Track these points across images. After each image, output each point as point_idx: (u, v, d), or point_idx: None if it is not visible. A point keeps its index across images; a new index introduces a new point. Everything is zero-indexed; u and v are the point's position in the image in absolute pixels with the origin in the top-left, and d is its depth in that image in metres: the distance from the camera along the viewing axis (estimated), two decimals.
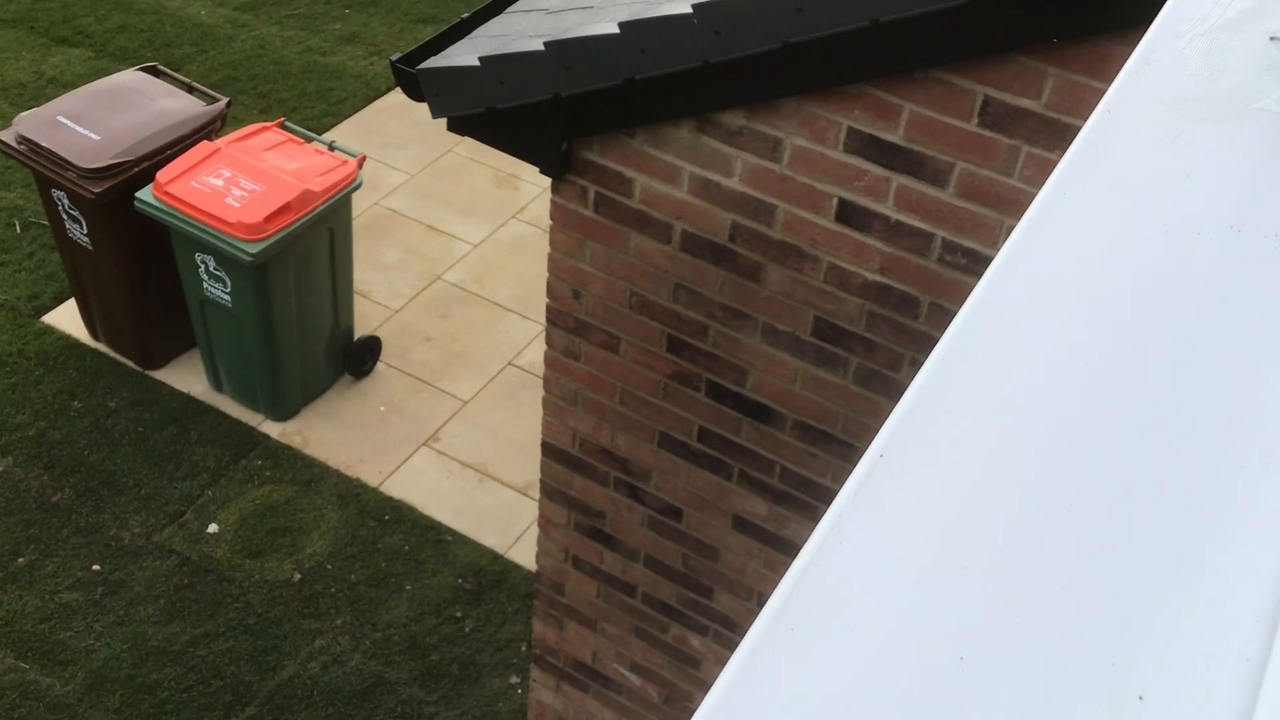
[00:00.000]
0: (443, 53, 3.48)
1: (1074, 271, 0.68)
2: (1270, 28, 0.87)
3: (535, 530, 4.48)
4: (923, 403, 0.61)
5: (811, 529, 3.32)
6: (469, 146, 8.12)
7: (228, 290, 6.33)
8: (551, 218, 3.68)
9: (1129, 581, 0.55)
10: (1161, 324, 0.64)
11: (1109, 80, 2.71)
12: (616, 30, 3.10)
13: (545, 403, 4.10)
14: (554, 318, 3.89)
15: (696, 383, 3.70)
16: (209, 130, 6.73)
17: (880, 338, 3.31)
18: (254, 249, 6.00)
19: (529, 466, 6.28)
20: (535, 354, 7.03)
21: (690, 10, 3.00)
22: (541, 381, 4.07)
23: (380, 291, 7.59)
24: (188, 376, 7.03)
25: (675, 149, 3.32)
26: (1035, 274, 0.67)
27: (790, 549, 3.80)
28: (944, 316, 3.17)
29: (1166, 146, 0.76)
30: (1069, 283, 0.66)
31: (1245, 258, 0.69)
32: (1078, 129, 2.71)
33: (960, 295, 3.12)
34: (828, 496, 3.61)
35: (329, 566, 6.16)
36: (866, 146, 3.05)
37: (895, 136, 3.00)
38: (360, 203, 7.82)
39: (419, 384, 7.04)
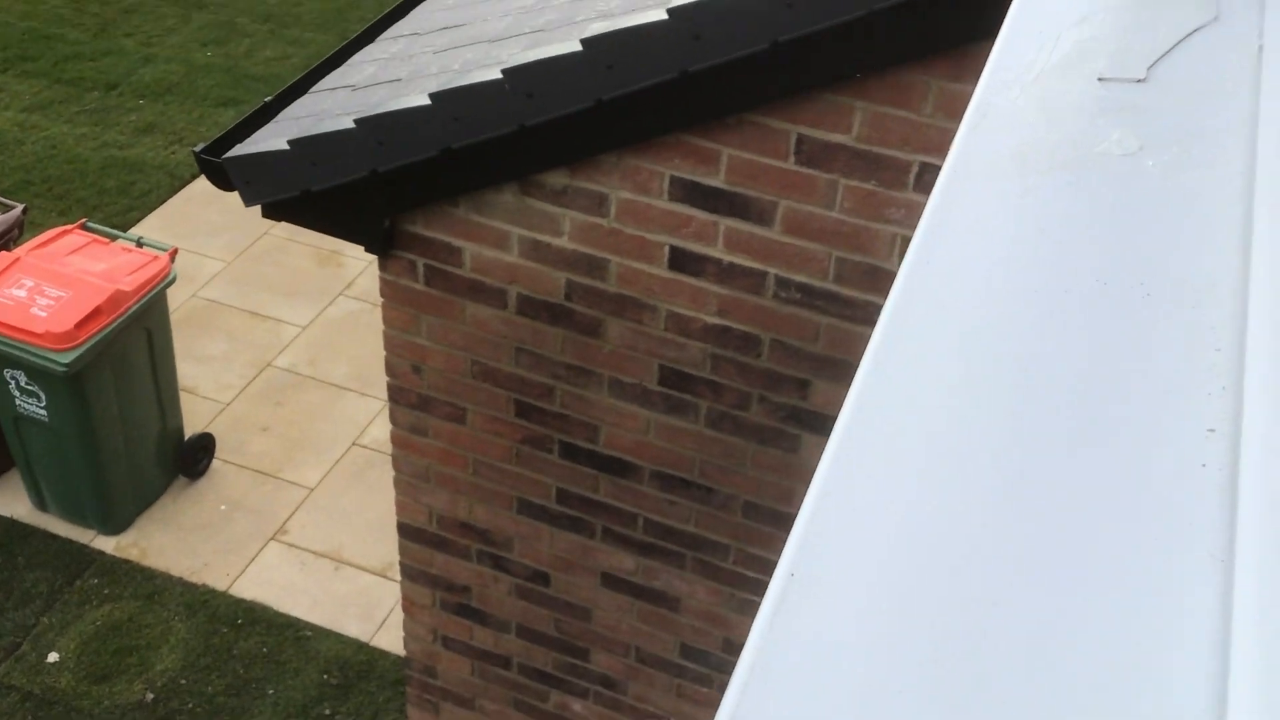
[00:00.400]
0: (249, 139, 3.37)
1: (952, 347, 0.66)
2: (1097, 69, 0.89)
3: (400, 614, 4.33)
4: (824, 511, 0.58)
5: (680, 576, 3.32)
6: (287, 226, 7.91)
7: (43, 404, 5.98)
8: (382, 295, 3.59)
9: None
10: (1048, 391, 0.63)
11: (912, 109, 2.81)
12: (428, 101, 3.04)
13: (397, 482, 3.98)
14: (396, 395, 3.79)
15: (549, 444, 3.64)
16: (5, 240, 6.37)
17: (726, 379, 3.32)
18: (66, 358, 5.69)
19: (386, 547, 6.09)
20: (379, 431, 6.85)
21: (500, 75, 2.97)
22: (390, 460, 3.95)
23: (208, 386, 7.29)
24: (8, 498, 6.60)
25: (501, 214, 3.28)
26: (914, 354, 0.65)
27: (661, 599, 3.76)
28: (785, 352, 3.20)
29: (1019, 201, 0.76)
30: (949, 361, 0.65)
31: (1119, 313, 0.69)
32: (889, 159, 2.79)
33: (798, 329, 3.16)
34: (693, 543, 3.60)
35: (183, 681, 5.84)
36: (690, 193, 3.07)
37: (717, 181, 3.02)
38: (176, 297, 7.52)
39: (260, 477, 6.77)
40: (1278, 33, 0.91)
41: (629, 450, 3.54)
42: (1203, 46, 0.92)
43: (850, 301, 3.08)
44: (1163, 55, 0.90)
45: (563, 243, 3.26)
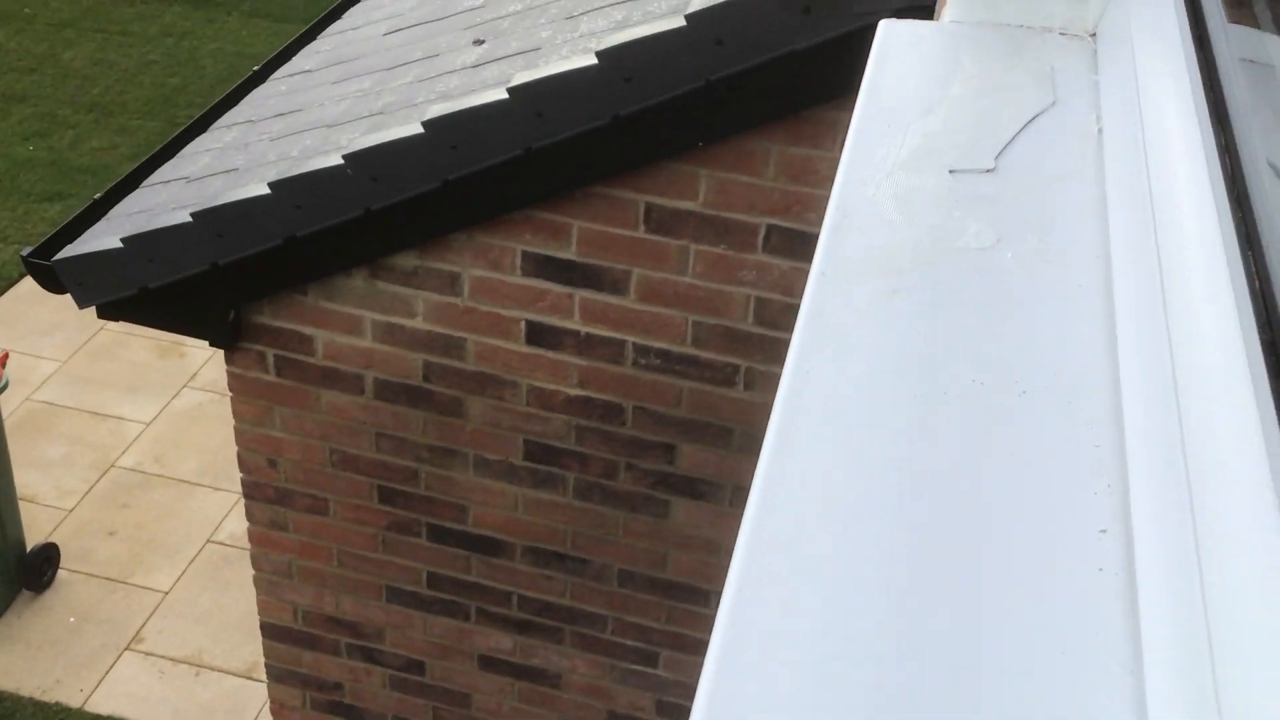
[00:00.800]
0: (80, 238, 3.23)
1: (838, 461, 0.65)
2: (947, 160, 0.90)
3: (268, 717, 4.15)
4: (731, 639, 0.56)
5: (559, 652, 3.24)
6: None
7: None
8: (230, 389, 3.46)
9: None
10: (937, 499, 0.63)
11: (754, 174, 2.86)
12: (268, 190, 2.97)
13: (257, 581, 3.83)
14: (251, 491, 3.65)
15: (416, 528, 3.56)
16: None
17: (592, 449, 3.30)
18: None
19: (250, 647, 5.84)
20: (235, 526, 6.60)
21: (342, 161, 2.92)
22: (248, 556, 3.80)
23: (48, 493, 6.92)
24: None
25: (352, 299, 3.21)
26: (801, 471, 0.64)
27: (542, 677, 3.69)
28: (649, 418, 3.20)
29: (889, 303, 0.76)
30: (836, 476, 0.64)
31: (999, 414, 0.69)
32: (737, 223, 2.82)
33: (660, 395, 3.17)
34: (570, 617, 3.55)
35: None
36: (544, 267, 3.05)
37: (570, 253, 3.02)
38: (9, 402, 7.13)
39: (109, 584, 6.44)
40: (1114, 114, 0.95)
41: (499, 528, 3.48)
42: (1045, 132, 0.95)
43: (710, 364, 3.10)
44: (1008, 144, 0.92)
45: (417, 324, 3.20)
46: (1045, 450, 0.67)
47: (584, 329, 3.11)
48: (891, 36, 1.04)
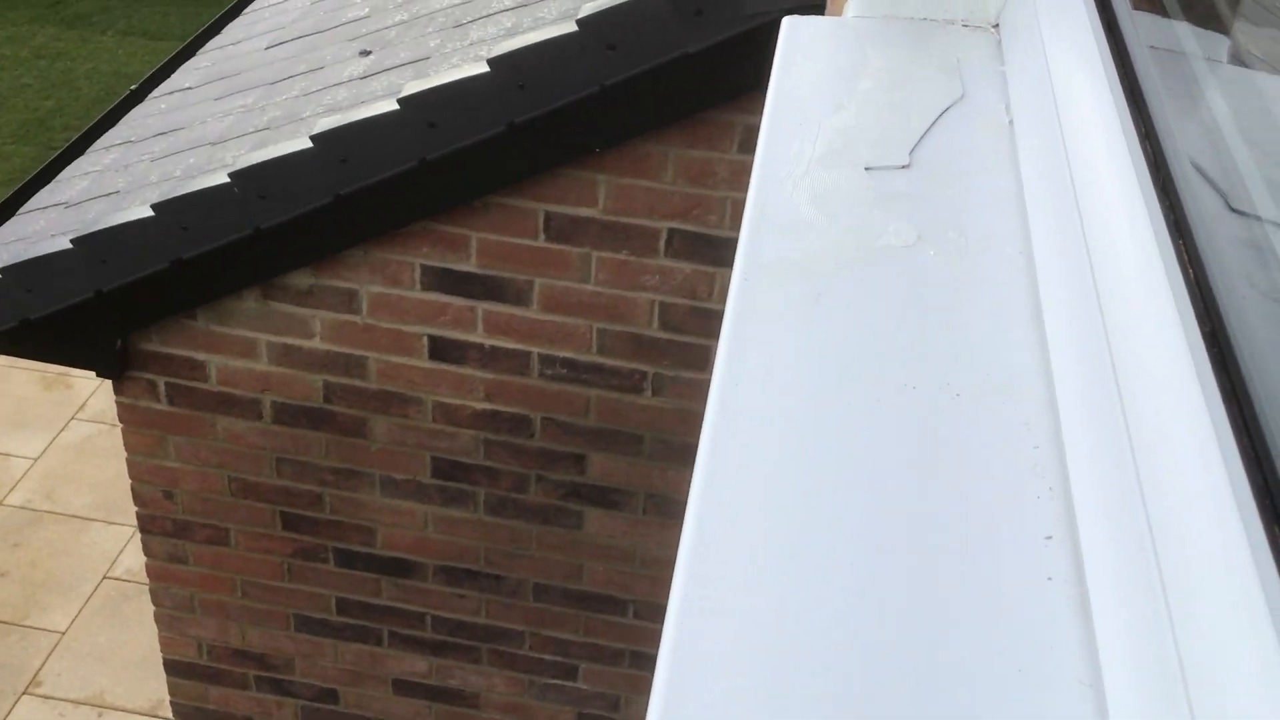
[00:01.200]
0: None
1: (773, 477, 0.62)
2: (862, 158, 0.88)
3: None
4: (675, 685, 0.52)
5: (476, 671, 3.18)
6: None
7: None
8: (121, 420, 3.33)
9: None
10: (878, 514, 0.60)
11: (653, 178, 2.84)
12: (151, 213, 2.86)
13: (158, 617, 3.69)
14: (148, 525, 3.51)
15: (323, 554, 3.46)
16: None
17: (501, 463, 3.24)
18: None
19: (154, 684, 5.64)
20: (132, 560, 6.37)
21: (229, 179, 2.82)
22: (148, 591, 3.65)
23: None
24: None
25: (244, 321, 3.11)
26: (736, 492, 0.61)
27: (459, 698, 3.62)
28: (558, 429, 3.16)
29: (813, 308, 0.74)
30: (772, 494, 0.61)
31: (934, 418, 0.67)
32: (638, 228, 2.80)
33: (568, 405, 3.13)
34: (486, 635, 3.48)
35: None
36: (443, 280, 3.00)
37: (469, 266, 2.97)
38: None
39: (3, 627, 6.17)
40: (1023, 105, 0.94)
41: (409, 548, 3.41)
42: (956, 126, 0.93)
43: (616, 371, 3.07)
44: (921, 138, 0.90)
45: (315, 344, 3.12)
46: (984, 455, 0.65)
47: (488, 341, 3.05)
48: (796, 34, 1.02)
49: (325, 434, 3.24)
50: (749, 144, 2.75)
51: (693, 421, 3.14)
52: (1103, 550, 0.57)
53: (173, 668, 3.72)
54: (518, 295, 2.99)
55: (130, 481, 3.42)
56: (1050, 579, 0.57)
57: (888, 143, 0.90)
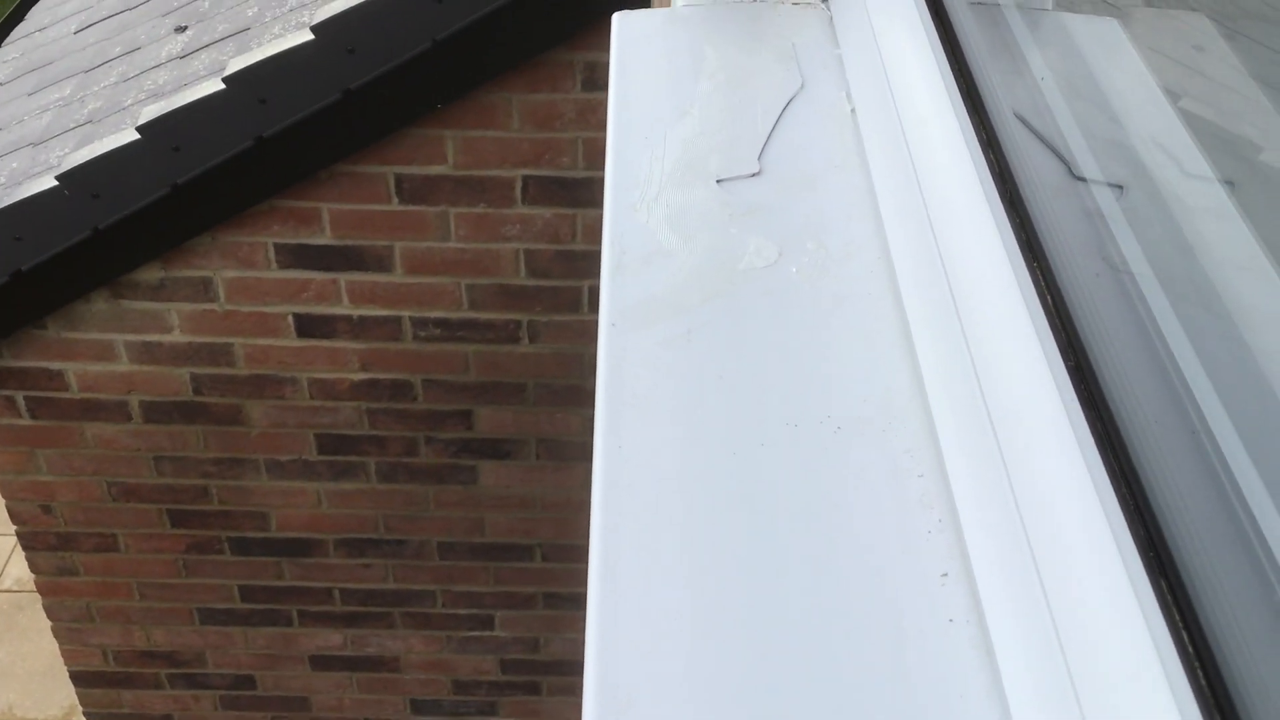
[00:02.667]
0: None
1: (662, 528, 0.62)
2: (712, 169, 0.87)
3: None
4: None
5: (392, 636, 3.17)
6: None
7: None
8: None
9: None
10: (772, 562, 0.61)
11: (500, 127, 2.78)
12: None
13: (56, 631, 3.59)
14: (30, 541, 3.39)
15: (217, 545, 3.39)
16: None
17: (387, 430, 3.21)
18: None
19: (63, 692, 5.50)
20: (20, 569, 6.15)
21: (56, 182, 2.68)
22: (40, 599, 3.55)
23: None
24: None
25: (98, 324, 2.99)
26: (629, 547, 0.61)
27: (379, 664, 3.62)
28: (440, 389, 3.13)
29: (685, 348, 0.73)
30: (673, 561, 0.61)
31: (817, 456, 0.68)
32: (492, 179, 2.75)
33: (447, 364, 3.09)
34: (396, 599, 3.47)
35: None
36: (300, 256, 2.91)
37: (325, 238, 2.89)
38: None
39: None
40: (863, 92, 0.94)
41: (306, 527, 3.36)
42: (800, 120, 0.93)
43: (490, 324, 3.04)
44: (767, 140, 0.90)
45: (175, 338, 3.01)
46: (871, 491, 0.66)
47: (356, 312, 2.99)
48: (627, 32, 1.00)
49: (201, 426, 3.15)
50: (592, 81, 2.72)
51: (572, 363, 3.15)
52: (998, 586, 0.58)
53: (80, 678, 3.64)
54: (379, 262, 2.93)
55: (4, 500, 3.29)
56: (951, 620, 0.59)
57: (735, 148, 0.89)
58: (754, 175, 0.87)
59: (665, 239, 0.81)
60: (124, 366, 3.05)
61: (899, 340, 0.76)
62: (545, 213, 2.88)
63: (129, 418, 3.14)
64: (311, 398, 3.13)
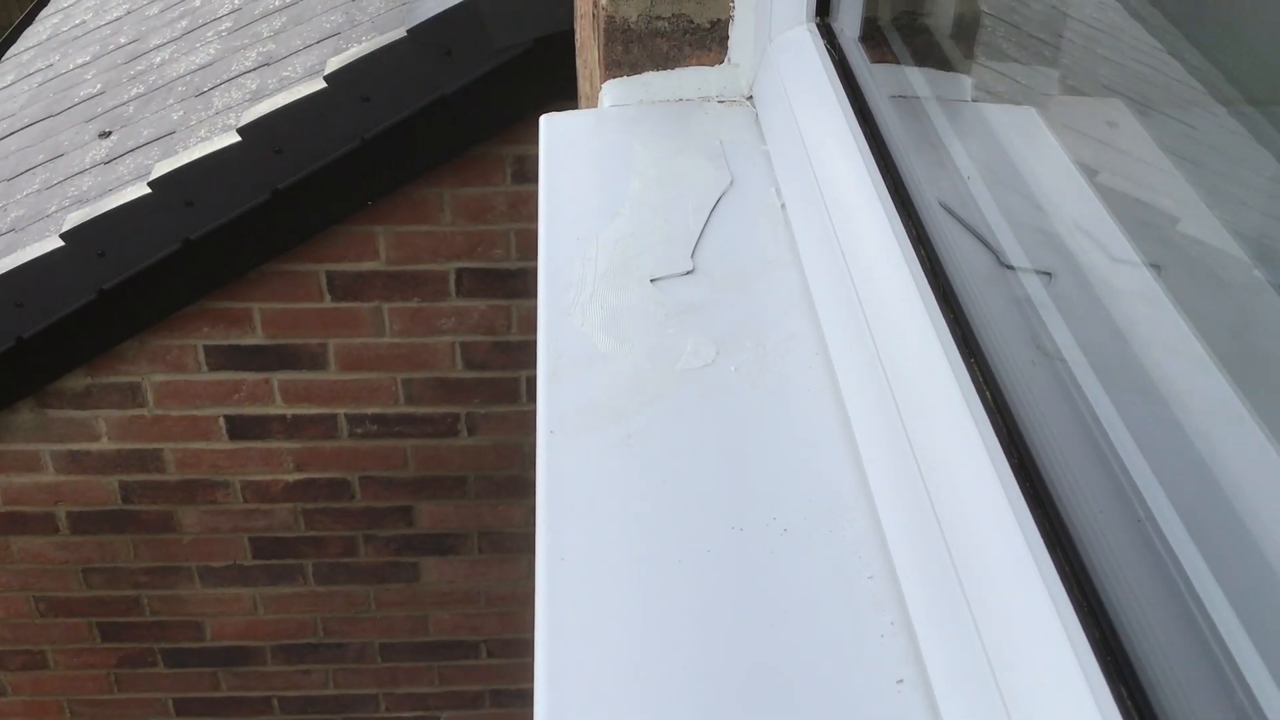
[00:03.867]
0: None
1: (619, 659, 0.61)
2: (645, 268, 0.87)
3: None
4: None
5: None
6: None
7: None
8: None
9: None
10: (721, 672, 0.59)
11: (432, 221, 2.78)
12: None
13: None
14: None
15: (150, 658, 3.28)
16: None
17: (325, 530, 3.14)
18: None
19: None
20: None
21: None
22: None
23: None
24: None
25: (22, 434, 2.91)
26: (584, 680, 0.59)
27: None
28: (378, 485, 3.08)
29: (625, 454, 0.72)
30: (622, 675, 0.59)
31: (765, 560, 0.66)
32: (426, 273, 2.74)
33: (385, 460, 3.05)
34: (337, 705, 3.38)
35: None
36: (231, 358, 2.87)
37: (256, 338, 2.85)
38: None
39: None
40: (792, 186, 0.94)
41: (242, 635, 3.26)
42: (732, 217, 0.93)
43: (428, 419, 3.01)
44: (700, 237, 0.90)
45: (104, 445, 2.94)
46: (822, 594, 0.65)
47: (289, 411, 2.95)
48: (556, 133, 1.00)
49: (131, 535, 3.07)
50: (522, 174, 2.73)
51: (513, 454, 3.12)
52: (954, 692, 0.57)
53: None
54: (313, 360, 2.89)
55: None
56: None
57: (669, 247, 0.89)
58: (688, 273, 0.87)
59: (601, 342, 0.80)
60: (50, 477, 2.97)
61: (841, 437, 0.75)
62: (480, 304, 2.87)
63: (56, 529, 3.05)
64: (245, 501, 3.07)
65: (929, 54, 1.01)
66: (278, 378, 2.90)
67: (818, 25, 1.03)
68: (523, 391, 3.00)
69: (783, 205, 0.95)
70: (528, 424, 3.02)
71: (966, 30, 1.02)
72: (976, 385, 0.70)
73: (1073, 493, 0.59)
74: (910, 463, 0.68)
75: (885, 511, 0.69)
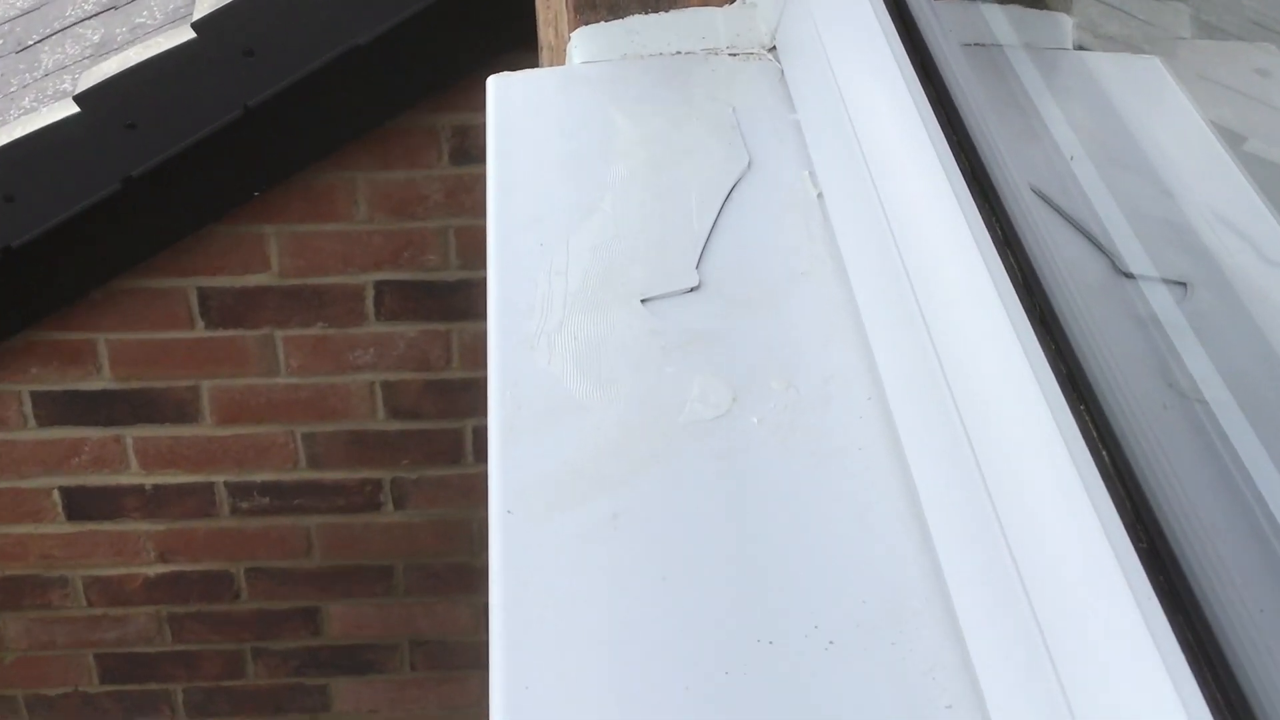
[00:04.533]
0: None
1: None
2: (634, 285, 0.87)
3: None
4: None
5: None
6: None
7: None
8: None
9: None
10: None
11: (342, 218, 2.79)
12: None
13: None
14: None
15: None
16: None
17: (199, 643, 3.14)
18: None
19: None
20: None
21: None
22: None
23: None
24: None
25: None
26: None
27: None
28: (271, 579, 3.08)
29: (611, 540, 0.72)
30: None
31: (804, 690, 0.66)
32: (333, 288, 2.75)
33: (281, 544, 3.05)
34: None
35: None
36: (68, 408, 2.87)
37: (102, 381, 2.85)
38: None
39: None
40: (831, 169, 0.94)
41: None
42: (750, 212, 0.93)
43: (340, 487, 3.01)
44: (707, 240, 0.90)
45: None
46: None
47: (149, 480, 2.95)
48: (509, 98, 1.00)
49: None
50: (463, 151, 2.75)
51: (456, 535, 3.12)
52: None
53: None
54: (180, 409, 2.89)
55: None
56: None
57: (665, 255, 0.89)
58: (692, 290, 0.88)
59: (575, 386, 0.80)
60: None
61: (905, 515, 0.75)
62: (408, 330, 2.87)
63: None
64: (90, 604, 3.07)
65: None
66: (132, 435, 2.91)
67: None
68: (468, 448, 3.00)
69: (819, 195, 0.96)
70: (476, 492, 3.02)
71: None
72: (1089, 440, 0.70)
73: (1225, 596, 0.59)
74: (1001, 550, 0.68)
75: (968, 618, 0.69)
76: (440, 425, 2.97)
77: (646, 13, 1.06)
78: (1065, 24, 1.02)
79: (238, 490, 2.99)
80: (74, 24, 2.87)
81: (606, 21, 1.06)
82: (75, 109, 2.56)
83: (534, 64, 2.31)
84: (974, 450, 0.72)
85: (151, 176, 2.61)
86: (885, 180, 0.87)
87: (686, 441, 0.78)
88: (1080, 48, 1.02)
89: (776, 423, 0.79)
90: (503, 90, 1.02)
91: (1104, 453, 0.69)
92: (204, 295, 2.80)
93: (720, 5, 1.08)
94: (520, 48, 2.53)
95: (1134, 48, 1.03)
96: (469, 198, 2.77)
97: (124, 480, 2.95)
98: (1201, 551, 0.62)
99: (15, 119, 2.65)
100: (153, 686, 3.17)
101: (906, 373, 0.80)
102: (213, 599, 3.09)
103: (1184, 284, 0.81)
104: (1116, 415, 0.70)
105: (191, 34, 2.53)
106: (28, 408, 2.86)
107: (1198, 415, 0.73)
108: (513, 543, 0.71)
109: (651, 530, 0.73)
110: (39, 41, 2.88)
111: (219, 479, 2.97)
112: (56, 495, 2.95)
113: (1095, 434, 0.70)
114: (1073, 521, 0.64)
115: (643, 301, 0.86)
